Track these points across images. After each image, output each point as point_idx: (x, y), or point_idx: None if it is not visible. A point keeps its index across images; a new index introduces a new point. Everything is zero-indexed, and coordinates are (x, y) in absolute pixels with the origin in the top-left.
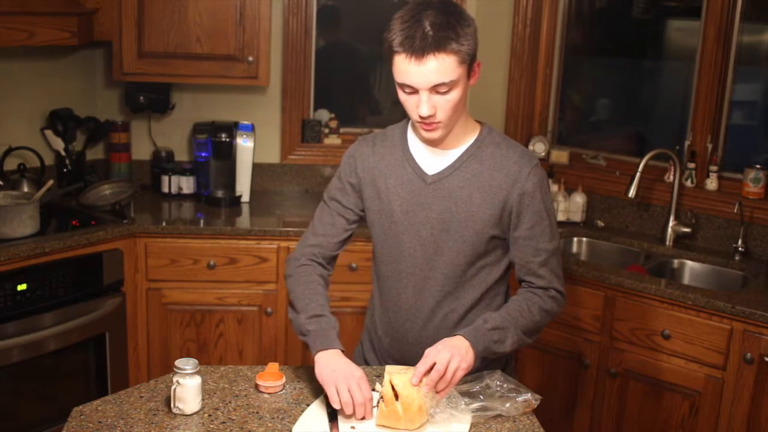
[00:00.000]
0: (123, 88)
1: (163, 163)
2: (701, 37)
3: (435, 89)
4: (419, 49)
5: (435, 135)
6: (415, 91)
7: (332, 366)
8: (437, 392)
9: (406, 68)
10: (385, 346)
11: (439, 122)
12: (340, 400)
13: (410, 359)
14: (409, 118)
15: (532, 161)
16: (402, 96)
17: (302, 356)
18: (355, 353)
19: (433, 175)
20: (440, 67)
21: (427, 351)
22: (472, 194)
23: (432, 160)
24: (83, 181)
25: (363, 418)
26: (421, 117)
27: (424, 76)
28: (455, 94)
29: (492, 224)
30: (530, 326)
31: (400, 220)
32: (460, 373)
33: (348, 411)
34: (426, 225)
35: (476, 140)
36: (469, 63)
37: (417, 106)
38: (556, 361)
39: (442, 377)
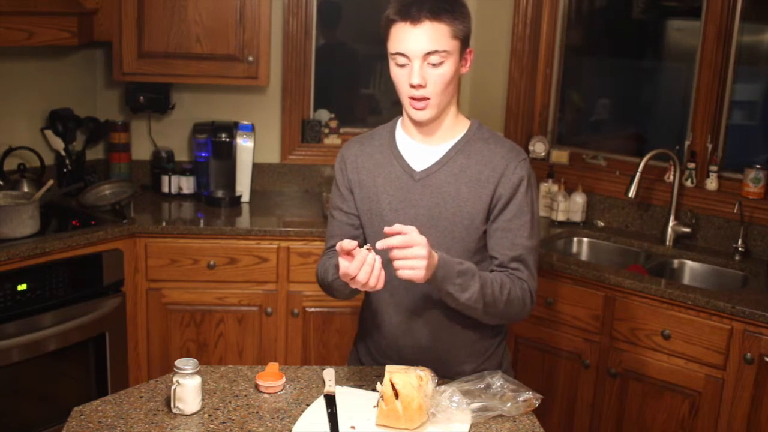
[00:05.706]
0: (123, 88)
1: (163, 163)
2: (701, 37)
3: (427, 59)
4: (415, 14)
5: (424, 115)
6: (407, 62)
7: None
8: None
9: (401, 35)
10: (381, 347)
11: (428, 99)
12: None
13: (407, 359)
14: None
15: (519, 155)
16: (394, 71)
17: (302, 356)
18: (349, 357)
19: (421, 171)
20: (434, 34)
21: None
22: (459, 189)
23: (420, 157)
24: (83, 181)
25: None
26: (411, 87)
27: (418, 42)
28: (447, 69)
29: (481, 220)
30: (493, 301)
31: (390, 218)
32: (413, 263)
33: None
34: (415, 222)
35: (464, 136)
36: (462, 43)
37: (409, 77)
38: (556, 361)
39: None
